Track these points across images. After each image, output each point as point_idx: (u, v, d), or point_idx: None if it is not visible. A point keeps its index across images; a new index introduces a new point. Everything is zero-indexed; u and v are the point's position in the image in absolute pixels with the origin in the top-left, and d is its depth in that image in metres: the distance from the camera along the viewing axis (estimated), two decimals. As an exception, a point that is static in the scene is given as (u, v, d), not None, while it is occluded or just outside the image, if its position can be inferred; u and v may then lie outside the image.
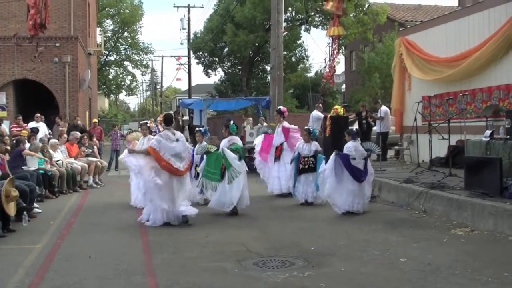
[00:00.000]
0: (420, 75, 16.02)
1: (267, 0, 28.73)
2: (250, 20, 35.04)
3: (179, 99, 53.12)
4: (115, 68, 58.78)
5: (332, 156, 10.60)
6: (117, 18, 54.57)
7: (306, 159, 11.99)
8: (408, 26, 23.23)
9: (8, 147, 12.71)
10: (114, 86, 59.64)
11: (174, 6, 48.44)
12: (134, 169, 11.18)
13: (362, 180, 10.65)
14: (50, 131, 19.08)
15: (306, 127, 13.05)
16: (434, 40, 15.87)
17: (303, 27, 37.78)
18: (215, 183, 10.51)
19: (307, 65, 45.21)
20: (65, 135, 16.49)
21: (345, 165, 10.50)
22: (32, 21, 15.44)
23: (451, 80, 14.74)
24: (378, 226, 9.39)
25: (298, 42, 40.19)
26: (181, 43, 63.70)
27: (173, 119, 10.32)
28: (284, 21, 29.26)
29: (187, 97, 42.68)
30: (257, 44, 38.26)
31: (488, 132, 11.61)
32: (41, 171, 13.13)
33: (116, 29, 55.75)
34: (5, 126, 18.53)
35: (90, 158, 16.31)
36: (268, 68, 38.07)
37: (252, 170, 13.18)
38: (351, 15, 34.41)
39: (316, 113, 18.98)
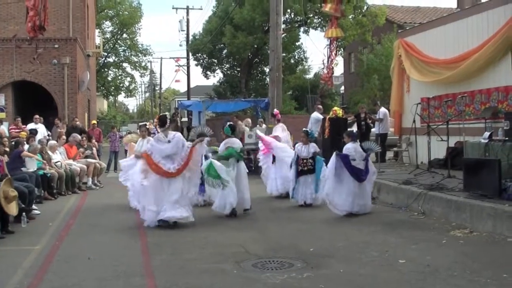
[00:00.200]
0: (419, 77, 16.04)
1: (266, 2, 28.76)
2: (249, 22, 35.06)
3: (178, 100, 53.20)
4: (114, 69, 58.77)
5: (333, 157, 10.60)
6: (116, 19, 54.56)
7: (304, 161, 11.99)
8: (407, 28, 23.21)
9: (7, 149, 12.70)
10: (113, 87, 59.62)
11: (173, 8, 48.83)
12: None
13: (363, 179, 10.65)
14: (49, 132, 19.07)
15: (304, 128, 13.05)
16: (433, 42, 15.89)
17: (302, 29, 37.86)
18: (218, 180, 10.52)
19: (306, 67, 45.29)
20: (64, 137, 16.48)
21: (345, 165, 10.50)
22: (31, 23, 15.46)
23: (450, 82, 14.75)
24: (377, 228, 9.39)
25: (297, 43, 40.27)
26: (180, 45, 64.05)
27: (167, 120, 10.29)
28: (283, 23, 29.32)
29: (186, 99, 42.69)
30: (256, 46, 38.28)
31: (487, 134, 11.61)
32: (40, 172, 13.12)
33: (115, 30, 55.74)
34: (4, 128, 18.51)
35: (89, 160, 16.31)
36: (267, 69, 38.13)
37: (251, 171, 13.19)
38: (350, 17, 34.46)
39: (316, 115, 18.98)
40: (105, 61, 55.36)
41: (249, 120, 20.45)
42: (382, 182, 12.44)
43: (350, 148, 10.78)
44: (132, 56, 57.58)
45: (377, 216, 10.55)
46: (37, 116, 19.24)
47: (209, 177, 10.37)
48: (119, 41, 56.40)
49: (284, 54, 32.22)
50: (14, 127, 18.52)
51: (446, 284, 6.16)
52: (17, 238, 9.08)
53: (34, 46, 16.85)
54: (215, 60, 43.67)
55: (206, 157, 10.91)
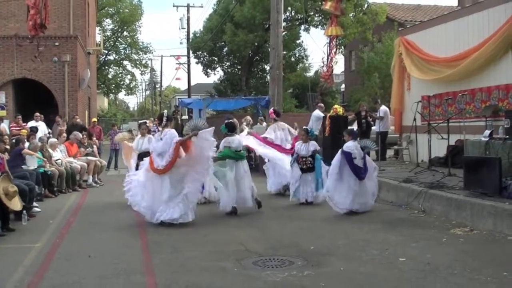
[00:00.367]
0: (419, 75, 16.03)
1: (267, -1, 28.73)
2: (250, 19, 35.04)
3: (178, 98, 53.05)
4: (114, 67, 58.76)
5: (338, 154, 10.58)
6: (116, 17, 54.52)
7: (304, 159, 11.99)
8: (408, 26, 23.23)
9: (8, 146, 12.70)
10: (113, 85, 59.61)
11: (173, 6, 48.46)
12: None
13: (363, 178, 10.64)
14: (49, 130, 19.08)
15: (304, 127, 13.05)
16: (434, 40, 15.88)
17: (302, 27, 37.82)
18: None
19: (307, 65, 45.25)
20: (64, 135, 16.49)
21: (348, 162, 10.50)
22: (32, 21, 15.47)
23: (451, 80, 14.75)
24: (377, 226, 9.40)
25: (298, 41, 40.23)
26: (181, 43, 63.61)
27: (163, 118, 10.30)
28: (284, 21, 29.27)
29: (187, 97, 42.69)
30: (256, 44, 38.26)
31: (487, 132, 11.61)
32: (41, 170, 13.13)
33: (115, 28, 55.71)
34: (5, 125, 18.53)
35: (90, 158, 16.31)
36: (267, 67, 38.14)
37: (251, 169, 13.17)
38: (351, 14, 34.44)
39: (317, 113, 18.99)
40: (106, 59, 55.34)
41: (249, 118, 20.46)
42: (383, 180, 12.43)
43: (351, 146, 10.77)
44: (133, 54, 57.57)
45: (378, 214, 10.56)
46: (37, 113, 19.24)
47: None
48: (119, 39, 56.39)
49: (284, 52, 32.18)
50: (14, 125, 18.53)
51: (446, 282, 6.16)
52: (17, 236, 9.09)
53: (35, 44, 16.86)
54: (216, 58, 43.65)
55: None
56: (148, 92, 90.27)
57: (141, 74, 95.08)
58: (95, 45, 36.94)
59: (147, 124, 13.64)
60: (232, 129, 11.11)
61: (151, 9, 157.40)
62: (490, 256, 7.26)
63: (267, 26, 33.76)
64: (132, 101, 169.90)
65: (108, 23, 55.46)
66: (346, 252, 7.63)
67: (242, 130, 17.41)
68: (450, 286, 6.07)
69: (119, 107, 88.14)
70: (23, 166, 12.53)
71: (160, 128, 10.39)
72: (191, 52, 45.41)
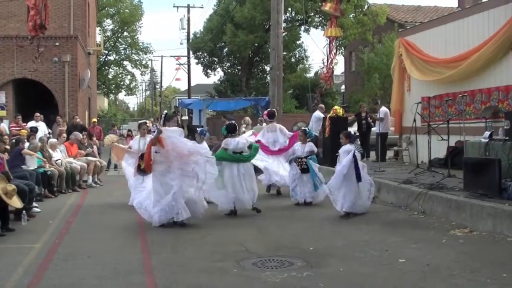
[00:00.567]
0: (419, 76, 16.04)
1: (267, 0, 28.75)
2: (250, 20, 35.09)
3: (178, 99, 53.15)
4: (114, 67, 58.78)
5: (351, 155, 10.53)
6: (116, 17, 54.52)
7: (299, 160, 12.01)
8: (408, 27, 23.21)
9: (8, 147, 12.71)
10: (113, 85, 59.62)
11: (174, 6, 48.57)
12: None
13: (360, 180, 10.62)
14: (49, 130, 19.08)
15: (303, 128, 13.06)
16: (434, 41, 15.89)
17: (302, 28, 37.89)
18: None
19: (307, 66, 45.32)
20: (64, 135, 16.50)
21: (355, 165, 10.47)
22: (32, 22, 15.45)
23: (451, 81, 14.75)
24: (377, 227, 9.40)
25: (298, 42, 40.32)
26: (181, 43, 63.88)
27: (160, 117, 10.39)
28: (284, 22, 29.25)
29: (187, 97, 42.76)
30: (256, 45, 38.31)
31: (487, 133, 11.60)
32: (40, 170, 13.13)
33: (115, 28, 55.71)
34: (5, 125, 18.53)
35: (90, 158, 16.32)
36: (267, 68, 38.19)
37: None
38: (351, 15, 34.49)
39: (317, 114, 19.02)
40: (106, 59, 55.35)
41: (248, 118, 20.48)
42: (382, 181, 12.43)
43: (351, 149, 10.71)
44: (133, 54, 57.58)
45: (377, 215, 10.55)
46: (37, 114, 19.25)
47: None
48: (119, 39, 56.41)
49: (285, 53, 32.23)
50: (14, 125, 18.55)
51: (446, 284, 6.16)
52: (17, 236, 9.09)
53: (35, 44, 16.85)
54: (216, 59, 43.71)
55: None
56: (148, 93, 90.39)
57: (141, 75, 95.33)
58: (95, 46, 36.95)
59: (147, 125, 13.63)
60: (231, 131, 11.09)
61: (151, 9, 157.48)
62: (490, 257, 7.25)
63: (267, 26, 33.80)
64: (132, 102, 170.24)
65: (108, 23, 55.54)
66: (345, 253, 7.62)
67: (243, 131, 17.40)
68: (450, 287, 6.07)
69: (119, 107, 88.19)
70: (23, 166, 12.54)
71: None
72: (191, 52, 45.45)
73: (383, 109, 17.86)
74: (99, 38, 40.97)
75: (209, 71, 44.78)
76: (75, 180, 15.08)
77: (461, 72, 14.15)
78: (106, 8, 53.33)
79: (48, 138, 15.95)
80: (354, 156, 10.47)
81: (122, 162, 12.98)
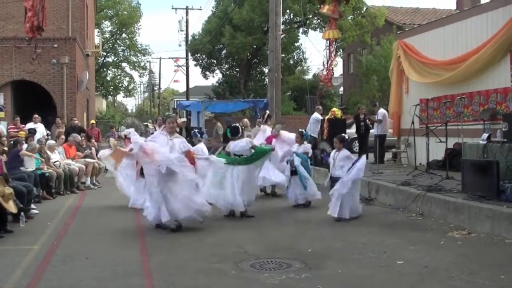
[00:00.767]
0: (417, 78, 16.06)
1: (265, 2, 28.79)
2: (248, 22, 35.14)
3: (177, 101, 53.20)
4: (113, 69, 58.81)
5: (364, 160, 10.53)
6: (115, 19, 54.56)
7: (292, 161, 12.02)
8: (406, 29, 23.25)
9: (6, 148, 12.70)
10: (112, 87, 59.64)
11: (172, 8, 48.75)
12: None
13: None
14: (48, 132, 19.08)
15: (300, 129, 13.09)
16: (432, 43, 15.91)
17: (301, 30, 37.95)
18: None
19: (305, 68, 45.40)
20: (63, 136, 16.49)
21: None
22: (30, 23, 15.45)
23: (449, 83, 14.78)
24: (375, 229, 9.40)
25: (296, 44, 40.39)
26: (179, 45, 63.94)
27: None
28: (282, 24, 29.33)
29: (185, 99, 42.74)
30: (255, 46, 38.37)
31: (485, 135, 11.63)
32: (39, 172, 13.12)
33: (114, 30, 55.77)
34: (3, 127, 18.52)
35: (88, 159, 16.30)
36: (266, 70, 38.22)
37: None
38: (349, 18, 34.53)
39: (315, 115, 19.05)
40: (104, 60, 55.40)
41: (246, 120, 20.48)
42: (381, 183, 12.44)
43: (349, 154, 10.68)
44: (131, 56, 57.67)
45: (375, 217, 10.56)
46: (36, 115, 19.25)
47: None
48: (118, 41, 56.44)
49: (283, 55, 32.31)
50: (13, 126, 18.54)
51: (444, 285, 6.16)
52: (15, 238, 9.07)
53: (33, 46, 16.86)
54: (214, 61, 43.77)
55: None
56: (146, 94, 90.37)
57: (140, 76, 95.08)
58: (94, 47, 36.94)
59: (149, 126, 13.66)
60: (234, 133, 11.10)
61: (150, 11, 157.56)
62: (488, 259, 7.25)
63: (265, 28, 33.85)
64: (131, 103, 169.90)
65: (106, 25, 55.63)
66: (343, 255, 7.62)
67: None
68: (448, 289, 6.09)
69: (118, 109, 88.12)
70: (21, 168, 12.53)
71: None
72: (189, 54, 45.45)
73: (381, 111, 17.87)
74: (97, 40, 41.00)
75: (207, 73, 44.84)
76: (73, 182, 15.07)
77: (459, 74, 14.17)
78: (105, 10, 53.37)
79: (47, 139, 15.93)
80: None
81: (117, 166, 12.75)
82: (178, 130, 10.02)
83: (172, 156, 9.26)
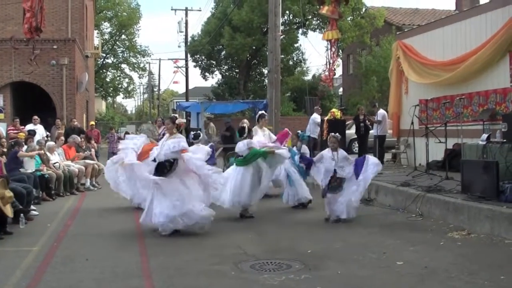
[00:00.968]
0: (417, 79, 16.07)
1: (265, 3, 28.78)
2: (248, 23, 35.13)
3: (176, 102, 53.16)
4: (112, 70, 58.73)
5: (377, 162, 10.54)
6: (114, 20, 54.54)
7: None
8: (405, 30, 23.26)
9: (5, 149, 12.69)
10: (111, 88, 59.59)
11: (171, 9, 48.89)
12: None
13: None
14: (48, 133, 19.07)
15: (299, 130, 13.12)
16: (431, 43, 15.92)
17: (300, 31, 37.94)
18: None
19: (305, 68, 45.39)
20: (62, 138, 16.49)
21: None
22: (28, 24, 15.42)
23: (448, 83, 14.78)
24: (375, 229, 9.40)
25: (296, 45, 40.36)
26: (179, 46, 63.78)
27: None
28: (282, 25, 29.32)
29: (185, 100, 42.72)
30: (254, 47, 38.36)
31: (484, 136, 11.65)
32: (38, 173, 13.11)
33: (113, 31, 55.71)
34: (1, 129, 18.50)
35: (87, 161, 16.29)
36: (265, 71, 38.22)
37: None
38: (348, 18, 34.53)
39: (314, 116, 19.06)
40: (104, 62, 55.38)
41: (246, 121, 20.48)
42: (380, 184, 12.44)
43: (347, 155, 10.65)
44: (131, 57, 57.61)
45: (375, 217, 10.56)
46: (35, 117, 19.25)
47: None
48: (117, 42, 56.40)
49: (282, 56, 32.27)
50: (12, 128, 18.53)
51: (443, 286, 6.16)
52: (15, 239, 9.07)
53: (31, 47, 16.83)
54: (214, 62, 43.77)
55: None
56: (146, 96, 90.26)
57: (139, 78, 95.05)
58: (93, 48, 36.93)
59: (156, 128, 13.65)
60: (240, 134, 11.16)
61: (149, 12, 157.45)
62: (488, 259, 7.26)
63: (265, 29, 33.83)
64: (130, 105, 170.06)
65: (106, 26, 55.57)
66: (343, 256, 7.63)
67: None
68: (448, 289, 6.09)
69: (117, 110, 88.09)
70: (20, 169, 12.52)
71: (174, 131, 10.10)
72: (189, 55, 45.44)
73: (381, 111, 17.86)
74: (97, 41, 40.96)
75: (207, 74, 44.83)
76: (73, 183, 15.07)
77: (458, 74, 14.18)
78: (104, 11, 53.35)
79: (46, 141, 15.92)
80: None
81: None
82: (175, 130, 9.90)
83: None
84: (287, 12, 35.71)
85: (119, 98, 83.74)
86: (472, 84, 14.07)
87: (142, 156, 10.02)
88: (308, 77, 44.56)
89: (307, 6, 34.31)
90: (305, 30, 37.15)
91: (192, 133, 12.36)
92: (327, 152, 10.40)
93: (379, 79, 32.92)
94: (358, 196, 10.25)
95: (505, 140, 10.54)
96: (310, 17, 36.70)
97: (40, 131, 18.44)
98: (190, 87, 50.19)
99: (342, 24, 31.60)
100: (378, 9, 36.85)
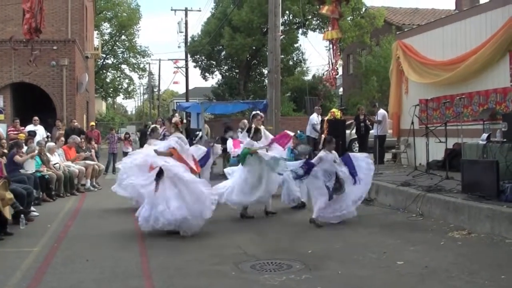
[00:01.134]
0: (417, 79, 16.06)
1: (265, 3, 28.78)
2: (248, 23, 35.13)
3: (176, 102, 53.14)
4: (112, 71, 58.76)
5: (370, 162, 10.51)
6: (114, 21, 54.55)
7: None
8: (405, 30, 23.25)
9: (5, 151, 12.68)
10: (111, 89, 59.62)
11: (171, 10, 48.91)
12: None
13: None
14: (48, 133, 19.09)
15: (299, 131, 13.12)
16: (431, 43, 15.91)
17: (300, 31, 37.94)
18: None
19: (305, 68, 45.38)
20: (62, 139, 16.49)
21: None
22: (27, 25, 15.42)
23: (448, 83, 14.77)
24: (375, 229, 9.40)
25: (296, 45, 40.36)
26: (179, 47, 63.57)
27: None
28: (282, 25, 29.33)
29: (185, 100, 42.70)
30: (254, 48, 38.36)
31: (485, 135, 11.65)
32: (38, 174, 13.11)
33: (113, 32, 55.73)
34: (2, 130, 18.51)
35: (88, 161, 16.29)
36: (265, 71, 38.23)
37: None
38: (348, 18, 34.53)
39: (312, 117, 19.09)
40: (104, 62, 55.41)
41: (246, 121, 20.47)
42: (380, 183, 12.44)
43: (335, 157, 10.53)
44: (131, 58, 57.65)
45: (375, 217, 10.56)
46: (36, 117, 19.25)
47: None
48: (117, 43, 56.42)
49: (282, 56, 32.28)
50: (12, 128, 18.53)
51: (444, 286, 6.16)
52: (15, 240, 9.08)
53: (30, 48, 16.82)
54: (214, 62, 43.77)
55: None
56: (146, 96, 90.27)
57: (139, 78, 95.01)
58: (93, 49, 36.97)
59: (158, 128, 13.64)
60: (248, 134, 11.22)
61: (149, 13, 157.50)
62: (488, 259, 7.26)
63: (265, 30, 33.83)
64: (130, 105, 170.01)
65: (106, 27, 55.60)
66: (344, 256, 7.63)
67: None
68: (448, 289, 6.09)
69: (117, 111, 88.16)
70: (21, 170, 12.51)
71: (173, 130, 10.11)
72: (189, 56, 45.43)
73: (381, 111, 17.85)
74: (96, 42, 40.99)
75: (207, 74, 44.83)
76: (73, 184, 15.07)
77: (458, 74, 14.17)
78: (104, 12, 53.36)
79: (46, 142, 15.93)
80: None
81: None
82: (173, 129, 9.95)
83: None
84: (287, 12, 35.72)
85: (119, 99, 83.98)
86: (472, 83, 14.06)
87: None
88: (308, 77, 44.59)
89: (307, 6, 34.32)
90: (305, 30, 37.18)
91: (198, 133, 12.38)
92: (326, 154, 10.23)
93: (379, 79, 32.92)
94: (359, 194, 10.22)
95: (505, 140, 10.54)
96: (310, 17, 36.72)
97: (41, 132, 18.46)
98: (190, 87, 50.22)
99: (342, 24, 31.55)
100: (378, 9, 36.85)
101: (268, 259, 7.50)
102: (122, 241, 8.96)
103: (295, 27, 38.23)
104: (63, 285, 6.51)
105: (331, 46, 19.16)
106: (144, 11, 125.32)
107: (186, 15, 47.13)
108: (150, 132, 13.06)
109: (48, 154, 14.43)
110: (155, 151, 9.87)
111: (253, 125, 11.23)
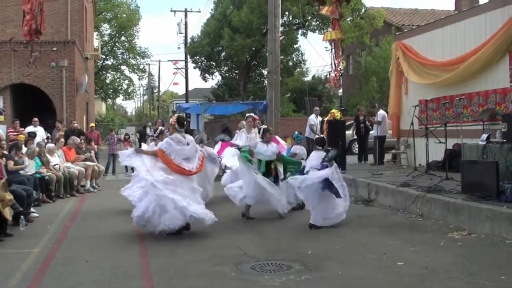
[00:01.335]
0: (416, 79, 16.07)
1: (264, 4, 28.81)
2: (247, 24, 35.16)
3: (176, 103, 53.13)
4: (112, 72, 58.72)
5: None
6: (114, 22, 54.51)
7: None
8: (405, 30, 23.26)
9: (5, 152, 12.67)
10: (111, 90, 59.59)
11: (171, 11, 48.97)
12: (140, 168, 10.17)
13: None
14: (48, 134, 19.08)
15: (297, 132, 13.15)
16: (431, 44, 15.92)
17: (300, 31, 37.97)
18: None
19: (304, 69, 45.41)
20: (62, 140, 16.48)
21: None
22: (28, 26, 15.41)
23: (448, 84, 14.78)
24: (375, 230, 9.40)
25: (295, 46, 40.39)
26: (178, 48, 63.20)
27: (185, 122, 10.25)
28: (281, 26, 29.34)
29: (184, 101, 42.70)
30: (254, 48, 38.39)
31: (484, 136, 11.65)
32: (38, 175, 13.10)
33: (113, 33, 55.69)
34: (1, 131, 18.49)
35: (87, 163, 16.28)
36: (265, 72, 38.22)
37: None
38: (348, 19, 34.56)
39: (310, 118, 19.14)
40: (104, 63, 55.36)
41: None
42: (380, 184, 12.44)
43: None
44: (130, 59, 57.58)
45: (375, 218, 10.56)
46: (35, 119, 19.25)
47: None
48: (117, 44, 56.37)
49: (282, 57, 32.30)
50: (12, 130, 18.52)
51: (444, 286, 6.16)
52: (15, 241, 9.07)
53: (30, 49, 16.81)
54: (213, 63, 43.79)
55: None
56: (146, 97, 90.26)
57: (139, 79, 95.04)
58: (93, 50, 36.95)
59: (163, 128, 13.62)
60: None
61: (148, 13, 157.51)
62: (488, 259, 7.25)
63: (264, 30, 33.88)
64: (130, 106, 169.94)
65: (105, 28, 55.54)
66: (343, 256, 7.62)
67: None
68: (448, 289, 6.08)
69: (117, 112, 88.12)
70: (20, 171, 12.49)
71: (175, 131, 10.02)
72: (189, 56, 45.44)
73: (381, 112, 17.86)
74: (96, 43, 41.00)
75: (206, 75, 44.84)
76: (73, 185, 15.05)
77: (458, 75, 14.18)
78: (104, 13, 53.32)
79: (46, 143, 15.91)
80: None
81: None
82: (172, 129, 9.98)
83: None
84: (287, 13, 35.76)
85: (119, 100, 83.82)
86: (472, 84, 14.07)
87: None
88: (308, 78, 44.63)
89: (306, 7, 34.35)
90: (304, 31, 37.22)
91: (203, 136, 12.39)
92: (317, 153, 10.27)
93: (378, 79, 32.94)
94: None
95: (505, 140, 10.55)
96: (309, 18, 36.76)
97: (40, 133, 18.45)
98: (190, 88, 50.22)
99: (342, 24, 31.59)
100: (377, 9, 36.88)
101: (268, 260, 7.50)
102: (122, 242, 8.96)
103: (295, 28, 38.24)
104: (63, 286, 6.51)
105: (332, 46, 19.17)
106: (143, 12, 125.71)
107: (185, 16, 47.15)
108: (158, 134, 12.85)
109: (48, 155, 14.43)
110: (140, 150, 10.31)
111: (262, 126, 11.28)
